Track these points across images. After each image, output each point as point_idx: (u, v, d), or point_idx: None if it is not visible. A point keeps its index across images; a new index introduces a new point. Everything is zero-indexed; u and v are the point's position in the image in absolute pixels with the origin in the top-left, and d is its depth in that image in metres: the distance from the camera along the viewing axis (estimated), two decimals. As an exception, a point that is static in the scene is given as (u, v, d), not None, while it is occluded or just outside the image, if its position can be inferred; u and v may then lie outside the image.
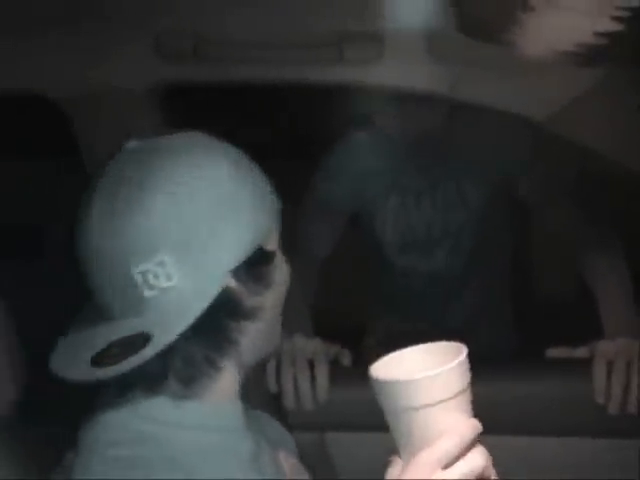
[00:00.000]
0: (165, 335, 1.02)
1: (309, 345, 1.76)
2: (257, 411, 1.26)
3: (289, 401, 1.74)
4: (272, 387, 1.74)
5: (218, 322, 1.08)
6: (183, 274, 1.04)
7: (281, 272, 1.16)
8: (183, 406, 1.10)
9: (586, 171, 2.06)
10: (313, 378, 1.74)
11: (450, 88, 1.52)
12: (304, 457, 1.77)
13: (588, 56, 1.27)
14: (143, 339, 1.03)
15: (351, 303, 2.55)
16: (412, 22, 1.40)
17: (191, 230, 1.04)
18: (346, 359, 1.80)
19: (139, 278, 1.04)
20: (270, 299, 1.14)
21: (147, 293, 1.05)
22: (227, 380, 1.14)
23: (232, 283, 1.07)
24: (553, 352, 1.75)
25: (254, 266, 1.09)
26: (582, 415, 1.68)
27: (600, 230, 1.93)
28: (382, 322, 2.46)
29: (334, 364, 1.78)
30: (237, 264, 1.07)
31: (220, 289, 1.05)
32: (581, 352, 1.72)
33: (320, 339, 1.78)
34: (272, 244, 1.13)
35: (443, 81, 1.52)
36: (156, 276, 1.04)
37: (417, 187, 2.16)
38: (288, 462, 1.26)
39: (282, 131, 3.19)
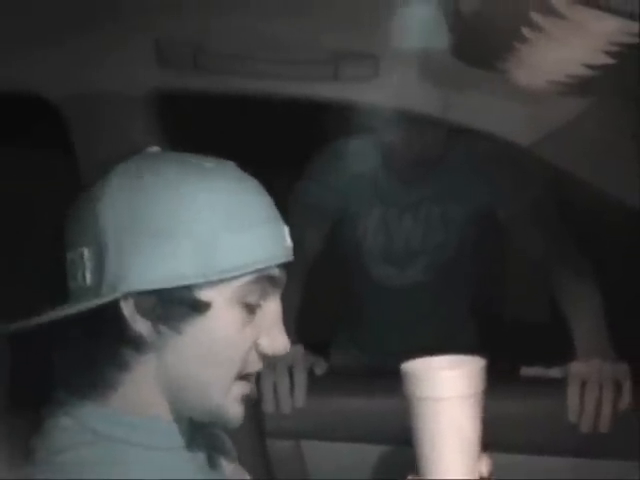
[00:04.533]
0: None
1: (289, 351, 1.77)
2: (206, 427, 1.23)
3: (268, 405, 1.77)
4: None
5: (103, 340, 1.07)
6: (93, 276, 1.05)
7: (213, 330, 1.07)
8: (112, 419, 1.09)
9: (560, 198, 2.10)
10: (292, 383, 1.77)
11: (442, 110, 1.55)
12: (280, 465, 1.81)
13: (577, 86, 1.29)
14: None
15: (318, 314, 2.56)
16: (408, 43, 1.41)
17: (112, 236, 1.03)
18: (319, 369, 1.84)
19: (68, 266, 1.07)
20: (182, 346, 1.07)
21: (71, 284, 1.07)
22: (139, 397, 1.10)
23: (127, 308, 1.05)
24: (527, 371, 1.78)
25: (167, 305, 1.05)
26: (554, 433, 1.72)
27: (572, 254, 1.97)
28: (348, 334, 2.49)
29: (310, 373, 1.81)
30: (136, 289, 1.03)
31: (105, 303, 1.04)
32: (555, 372, 1.76)
33: (301, 346, 1.81)
34: (211, 296, 1.06)
35: (435, 103, 1.54)
36: (76, 268, 1.06)
37: (401, 203, 2.20)
38: (229, 467, 1.26)
39: (275, 144, 3.22)
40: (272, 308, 1.12)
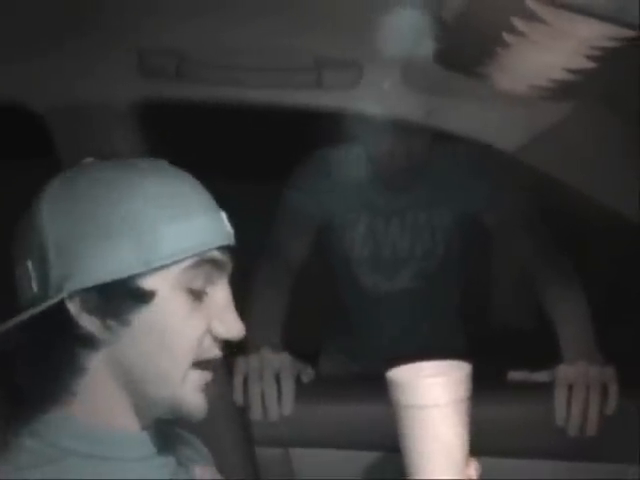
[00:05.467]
0: None
1: (276, 359, 1.78)
2: (175, 431, 1.26)
3: (256, 413, 1.76)
4: (239, 400, 1.77)
5: (56, 344, 1.08)
6: (39, 284, 1.06)
7: (160, 317, 1.08)
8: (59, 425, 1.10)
9: (545, 203, 2.11)
10: (279, 391, 1.77)
11: (425, 116, 1.56)
12: (268, 472, 1.80)
13: (559, 90, 1.30)
14: None
15: (306, 322, 2.56)
16: (390, 50, 1.42)
17: (53, 240, 1.05)
18: (306, 377, 1.83)
19: (18, 281, 1.09)
20: (133, 338, 1.08)
21: (21, 298, 1.08)
22: (102, 407, 1.11)
23: (73, 306, 1.06)
24: (514, 375, 1.78)
25: (112, 299, 1.06)
26: (542, 437, 1.72)
27: (557, 257, 1.97)
28: (335, 343, 2.49)
29: (297, 381, 1.80)
30: (80, 287, 1.04)
31: (51, 305, 1.05)
32: (542, 376, 1.76)
33: (288, 353, 1.80)
34: (155, 284, 1.07)
35: (418, 109, 1.55)
36: (23, 282, 1.08)
37: (387, 210, 2.20)
38: (202, 471, 1.25)
39: (258, 152, 3.22)
40: (221, 293, 1.12)
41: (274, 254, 2.07)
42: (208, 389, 1.14)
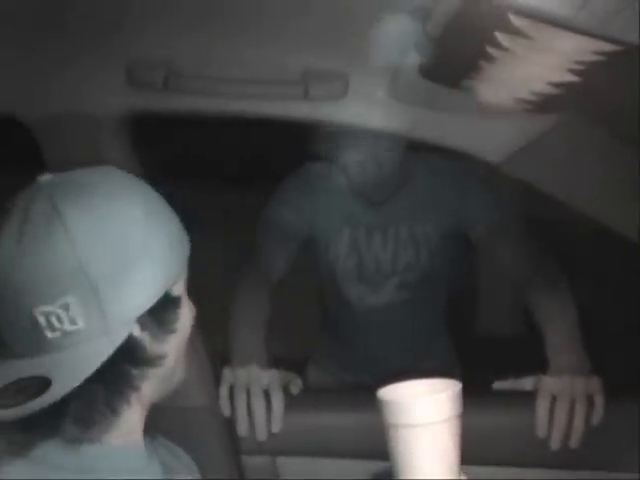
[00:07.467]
0: (67, 380, 1.00)
1: (265, 376, 1.76)
2: (158, 438, 1.27)
3: (242, 429, 1.75)
4: (225, 410, 1.76)
5: (120, 369, 1.07)
6: (89, 319, 1.02)
7: (185, 317, 1.15)
8: (77, 450, 1.08)
9: (533, 212, 2.12)
10: (268, 408, 1.75)
11: (410, 128, 1.57)
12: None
13: (543, 103, 1.31)
14: (43, 382, 1.00)
15: (294, 332, 2.56)
16: (376, 63, 1.43)
17: (99, 274, 1.02)
18: (295, 387, 1.82)
19: (42, 319, 1.01)
20: (174, 344, 1.13)
21: (50, 334, 1.02)
22: (127, 422, 1.13)
23: (136, 330, 1.06)
24: (500, 385, 1.78)
25: (159, 312, 1.09)
26: (527, 446, 1.72)
27: (547, 268, 1.97)
28: (326, 351, 2.50)
29: (285, 391, 1.80)
30: (144, 310, 1.06)
31: (126, 336, 1.04)
32: (527, 383, 1.74)
33: (276, 369, 1.78)
34: (178, 289, 1.13)
35: (404, 121, 1.56)
36: (59, 319, 1.01)
37: (370, 223, 2.21)
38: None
39: (246, 163, 3.22)
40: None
41: (257, 267, 2.07)
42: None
